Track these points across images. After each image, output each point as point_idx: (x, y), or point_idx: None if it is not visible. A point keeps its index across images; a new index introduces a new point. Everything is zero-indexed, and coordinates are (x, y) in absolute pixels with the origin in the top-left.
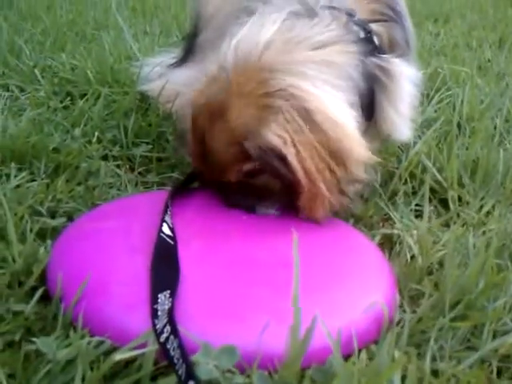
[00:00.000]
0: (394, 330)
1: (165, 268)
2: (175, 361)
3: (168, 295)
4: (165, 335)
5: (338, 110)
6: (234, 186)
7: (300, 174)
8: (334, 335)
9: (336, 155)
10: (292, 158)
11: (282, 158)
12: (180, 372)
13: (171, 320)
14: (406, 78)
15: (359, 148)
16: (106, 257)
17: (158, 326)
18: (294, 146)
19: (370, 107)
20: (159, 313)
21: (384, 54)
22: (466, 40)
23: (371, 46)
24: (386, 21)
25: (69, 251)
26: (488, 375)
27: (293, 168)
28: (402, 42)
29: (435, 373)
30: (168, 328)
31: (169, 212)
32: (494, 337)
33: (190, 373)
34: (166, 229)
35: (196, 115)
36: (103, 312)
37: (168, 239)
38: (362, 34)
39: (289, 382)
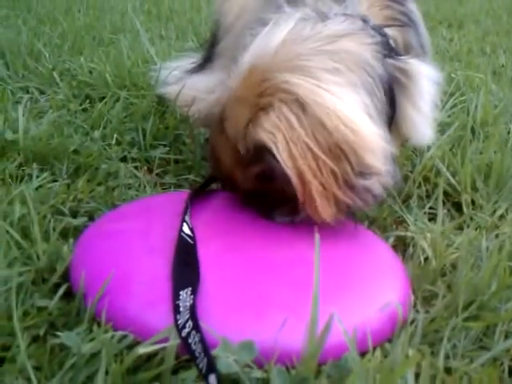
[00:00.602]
0: (407, 329)
1: (185, 266)
2: (196, 355)
3: (189, 292)
4: (187, 330)
5: (335, 98)
6: (250, 192)
7: (291, 174)
8: (349, 333)
9: (336, 147)
10: (282, 156)
11: (274, 157)
12: (201, 366)
13: (193, 316)
14: (425, 77)
15: (368, 134)
16: (126, 255)
17: (179, 322)
18: (287, 143)
19: (390, 109)
20: (181, 309)
21: (401, 56)
22: (480, 45)
23: (388, 49)
24: (400, 26)
25: (91, 250)
26: (500, 374)
27: (283, 167)
28: (417, 46)
29: (448, 371)
30: (190, 323)
31: (188, 212)
32: (506, 337)
33: (211, 366)
34: (186, 229)
35: (211, 126)
36: (125, 308)
37: (188, 239)
38: (378, 38)
39: (306, 377)
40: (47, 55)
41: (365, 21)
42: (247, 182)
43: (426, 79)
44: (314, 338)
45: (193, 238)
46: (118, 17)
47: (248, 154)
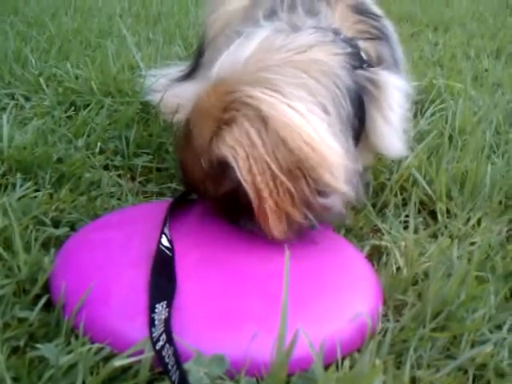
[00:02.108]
0: (375, 339)
1: (162, 279)
2: (169, 367)
3: (165, 305)
4: (161, 343)
5: (298, 115)
6: (218, 200)
7: (249, 189)
8: (318, 344)
9: (295, 166)
10: (242, 172)
11: (234, 172)
12: (173, 378)
13: (167, 329)
14: (395, 88)
15: (328, 153)
16: (106, 267)
17: (154, 335)
18: (247, 159)
19: (360, 120)
20: (156, 322)
21: (372, 67)
22: (465, 50)
23: (358, 60)
24: (372, 38)
25: (71, 261)
26: (465, 382)
27: (242, 183)
28: (390, 59)
29: (414, 380)
30: (164, 336)
31: (167, 224)
32: (473, 346)
33: (183, 379)
34: (164, 241)
35: (177, 138)
36: (103, 320)
37: (166, 251)
38: (349, 49)
39: None
40: (33, 61)
41: (336, 33)
42: (214, 191)
43: (395, 90)
44: (282, 350)
45: (171, 249)
46: (106, 20)
47: (212, 168)
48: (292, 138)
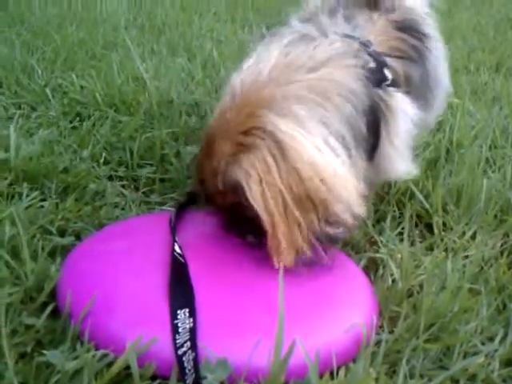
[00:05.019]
0: (369, 350)
1: (180, 285)
2: (186, 371)
3: (187, 314)
4: (184, 349)
5: (315, 149)
6: (226, 214)
7: (262, 214)
8: (313, 354)
9: (307, 198)
10: (254, 196)
11: (245, 195)
12: (188, 381)
13: (192, 338)
14: (404, 115)
15: (340, 187)
16: (111, 276)
17: (178, 341)
18: (261, 184)
19: (374, 136)
20: (180, 330)
21: (395, 87)
22: (465, 63)
23: (380, 77)
24: (402, 58)
25: (78, 270)
26: None
27: (253, 206)
28: (418, 81)
29: None
30: (188, 344)
31: (176, 232)
32: (465, 357)
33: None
34: (177, 248)
35: (200, 148)
36: (108, 327)
37: (180, 258)
38: (373, 64)
39: None
40: (40, 71)
41: (365, 45)
42: (224, 205)
43: (405, 117)
44: (279, 359)
45: (183, 257)
46: (111, 31)
47: (225, 187)
48: (306, 171)
